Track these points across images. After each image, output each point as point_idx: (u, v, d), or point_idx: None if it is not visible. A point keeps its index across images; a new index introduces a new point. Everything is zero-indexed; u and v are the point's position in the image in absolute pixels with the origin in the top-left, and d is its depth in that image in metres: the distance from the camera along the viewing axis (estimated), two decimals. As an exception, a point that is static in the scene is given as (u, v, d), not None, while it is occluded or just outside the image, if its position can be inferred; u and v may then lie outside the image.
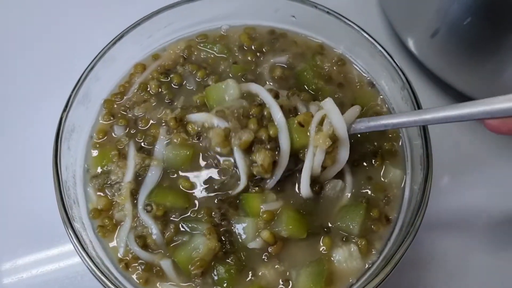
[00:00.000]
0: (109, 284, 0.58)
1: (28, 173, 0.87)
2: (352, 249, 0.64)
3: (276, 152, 0.65)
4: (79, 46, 0.87)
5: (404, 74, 0.69)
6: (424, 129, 0.65)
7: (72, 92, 0.69)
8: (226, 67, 0.79)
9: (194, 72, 0.78)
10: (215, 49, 0.81)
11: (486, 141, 0.89)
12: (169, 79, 0.78)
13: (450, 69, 0.87)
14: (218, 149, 0.67)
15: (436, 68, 0.89)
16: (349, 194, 0.68)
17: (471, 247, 0.80)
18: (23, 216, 0.83)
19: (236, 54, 0.80)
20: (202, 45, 0.82)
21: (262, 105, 0.68)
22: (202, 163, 0.70)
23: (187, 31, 0.82)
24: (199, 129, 0.70)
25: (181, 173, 0.70)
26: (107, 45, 0.73)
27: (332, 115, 0.64)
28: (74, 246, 0.61)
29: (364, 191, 0.69)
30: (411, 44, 0.91)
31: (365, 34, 0.73)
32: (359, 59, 0.78)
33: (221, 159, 0.68)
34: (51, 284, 0.78)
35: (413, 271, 0.78)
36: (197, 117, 0.70)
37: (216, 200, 0.67)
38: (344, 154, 0.65)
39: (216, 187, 0.68)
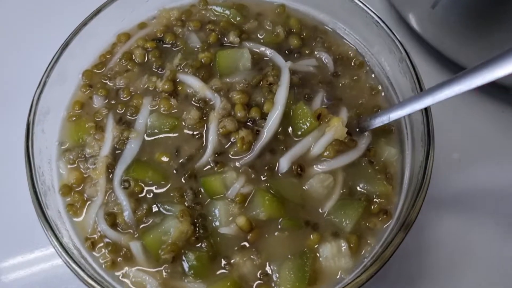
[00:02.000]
0: (88, 280, 0.54)
1: (8, 172, 0.80)
2: (341, 246, 0.58)
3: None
4: (55, 22, 0.81)
5: (402, 45, 0.64)
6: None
7: (44, 72, 0.65)
8: (256, 29, 0.75)
9: (198, 28, 0.74)
10: (228, 13, 0.76)
11: (498, 119, 0.83)
12: (160, 42, 0.74)
13: (451, 42, 0.81)
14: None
15: (437, 41, 0.84)
16: (338, 195, 0.62)
17: (476, 231, 0.74)
18: (11, 218, 0.78)
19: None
20: (215, 6, 0.77)
21: (272, 84, 0.67)
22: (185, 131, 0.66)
23: (173, 4, 0.78)
24: (190, 92, 0.68)
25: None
26: (83, 20, 0.69)
27: None
28: (46, 235, 0.56)
29: (362, 185, 0.63)
30: (411, 18, 0.85)
31: (360, 4, 0.68)
32: (356, 32, 0.73)
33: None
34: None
35: (416, 257, 0.72)
36: (191, 82, 0.69)
37: (182, 178, 0.63)
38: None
39: (182, 160, 0.64)
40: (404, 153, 0.65)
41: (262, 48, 0.71)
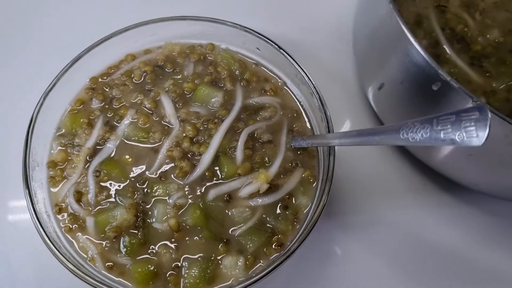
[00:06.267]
0: (46, 239, 0.70)
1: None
2: (239, 261, 0.73)
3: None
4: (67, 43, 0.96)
5: (323, 105, 0.79)
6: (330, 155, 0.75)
7: (56, 76, 0.82)
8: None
9: (196, 60, 0.91)
10: (224, 62, 0.92)
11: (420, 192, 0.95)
12: (159, 69, 0.90)
13: (394, 120, 0.94)
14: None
15: (384, 118, 0.95)
16: (251, 224, 0.76)
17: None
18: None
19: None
20: (222, 51, 0.93)
21: (217, 124, 0.83)
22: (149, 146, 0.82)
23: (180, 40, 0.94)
24: (164, 113, 0.85)
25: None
26: (96, 42, 0.86)
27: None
28: (26, 200, 0.73)
29: (271, 221, 0.76)
30: (368, 92, 0.97)
31: (298, 68, 0.84)
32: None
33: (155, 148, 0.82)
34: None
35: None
36: (166, 105, 0.85)
37: (137, 183, 0.79)
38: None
39: (141, 167, 0.80)
40: (314, 201, 0.78)
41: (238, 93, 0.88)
